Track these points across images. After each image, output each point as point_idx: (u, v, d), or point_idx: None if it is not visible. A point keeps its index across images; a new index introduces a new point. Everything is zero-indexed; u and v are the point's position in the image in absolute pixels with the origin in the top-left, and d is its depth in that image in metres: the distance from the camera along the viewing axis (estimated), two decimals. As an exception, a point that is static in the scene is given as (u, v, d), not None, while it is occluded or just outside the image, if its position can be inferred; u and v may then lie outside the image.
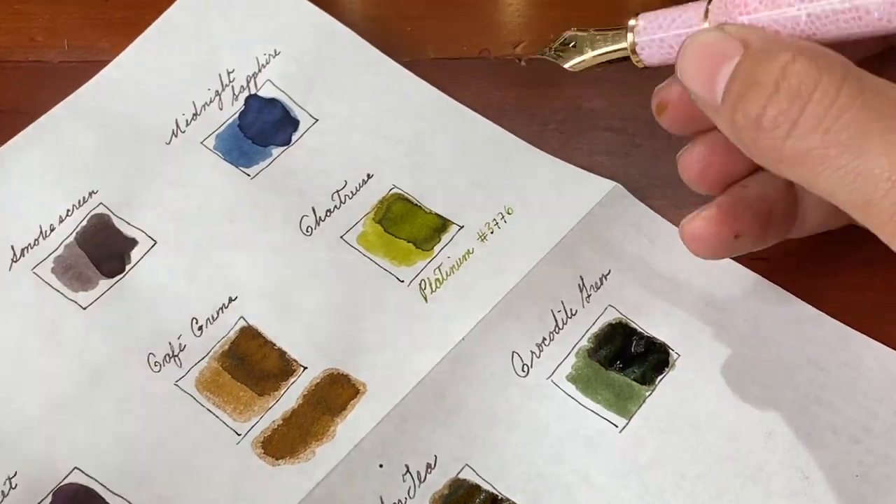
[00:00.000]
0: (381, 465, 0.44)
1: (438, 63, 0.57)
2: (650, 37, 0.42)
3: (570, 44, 0.45)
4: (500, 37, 0.58)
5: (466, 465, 0.44)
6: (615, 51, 0.43)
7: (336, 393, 0.46)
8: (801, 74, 0.34)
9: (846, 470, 0.44)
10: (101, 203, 0.51)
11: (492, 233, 0.50)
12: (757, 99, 0.35)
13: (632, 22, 0.42)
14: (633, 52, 0.42)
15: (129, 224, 0.51)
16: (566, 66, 0.45)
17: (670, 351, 0.47)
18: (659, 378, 0.46)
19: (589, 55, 0.44)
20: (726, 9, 0.39)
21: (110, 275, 0.49)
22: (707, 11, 0.40)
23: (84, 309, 0.49)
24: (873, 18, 0.36)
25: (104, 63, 0.55)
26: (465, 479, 0.44)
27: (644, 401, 0.46)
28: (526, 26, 0.58)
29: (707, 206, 0.45)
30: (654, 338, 0.47)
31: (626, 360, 0.47)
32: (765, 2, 0.38)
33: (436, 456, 0.45)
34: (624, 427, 0.45)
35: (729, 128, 0.37)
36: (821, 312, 0.48)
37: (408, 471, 0.44)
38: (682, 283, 0.48)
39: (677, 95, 0.44)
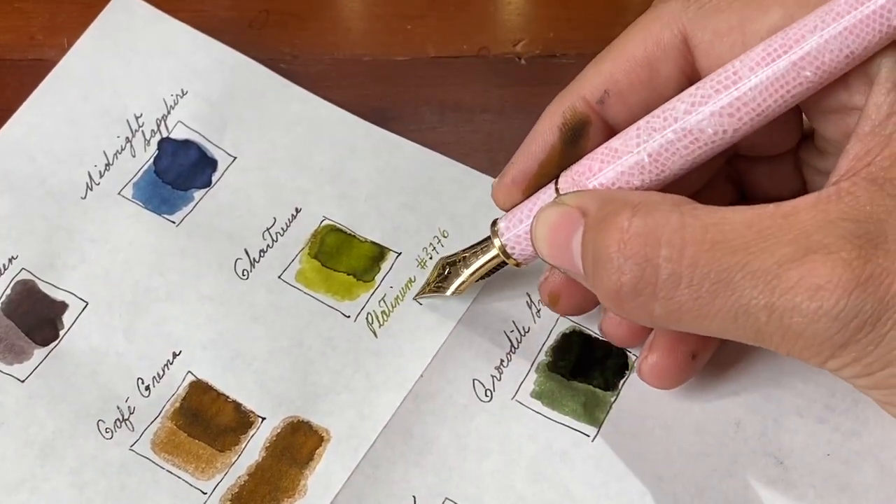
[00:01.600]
0: None
1: (438, 61, 0.56)
2: (514, 233, 0.42)
3: (445, 272, 0.46)
4: (499, 35, 0.57)
5: (447, 499, 0.44)
6: (489, 261, 0.44)
7: (299, 442, 0.45)
8: (641, 237, 0.34)
9: (817, 451, 0.44)
10: (22, 268, 0.49)
11: (430, 258, 0.49)
12: (608, 273, 0.34)
13: (494, 226, 0.43)
14: (506, 254, 0.43)
15: (55, 287, 0.49)
16: (448, 293, 0.46)
17: (628, 353, 0.47)
18: (621, 382, 0.46)
19: (466, 274, 0.45)
20: (574, 180, 0.39)
21: (44, 343, 0.47)
22: (557, 190, 0.40)
23: (22, 382, 0.46)
24: (709, 136, 0.37)
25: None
26: (447, 513, 0.44)
27: (611, 406, 0.46)
28: (525, 24, 0.57)
29: (652, 338, 0.43)
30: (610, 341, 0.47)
31: (587, 368, 0.47)
32: (606, 159, 0.38)
33: (414, 496, 0.44)
34: (595, 436, 0.45)
35: (599, 297, 0.36)
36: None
37: (388, 516, 0.43)
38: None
39: (565, 280, 0.43)
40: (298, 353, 0.47)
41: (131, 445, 0.45)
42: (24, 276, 0.49)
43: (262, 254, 0.50)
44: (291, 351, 0.47)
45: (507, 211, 0.43)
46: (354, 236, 0.50)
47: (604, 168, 0.38)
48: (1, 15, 0.58)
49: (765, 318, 0.32)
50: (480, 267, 0.44)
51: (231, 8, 0.58)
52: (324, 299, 0.48)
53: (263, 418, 0.46)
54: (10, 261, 0.49)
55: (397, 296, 0.48)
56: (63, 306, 0.48)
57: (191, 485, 0.44)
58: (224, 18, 0.57)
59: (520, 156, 0.42)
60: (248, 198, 0.51)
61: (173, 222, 0.50)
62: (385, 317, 0.48)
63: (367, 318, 0.48)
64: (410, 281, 0.49)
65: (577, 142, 0.40)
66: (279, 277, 0.49)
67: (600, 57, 0.40)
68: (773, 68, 0.35)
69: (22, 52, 0.56)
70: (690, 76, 0.39)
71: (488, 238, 0.44)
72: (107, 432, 0.45)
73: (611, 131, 0.40)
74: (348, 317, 0.48)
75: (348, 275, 0.49)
